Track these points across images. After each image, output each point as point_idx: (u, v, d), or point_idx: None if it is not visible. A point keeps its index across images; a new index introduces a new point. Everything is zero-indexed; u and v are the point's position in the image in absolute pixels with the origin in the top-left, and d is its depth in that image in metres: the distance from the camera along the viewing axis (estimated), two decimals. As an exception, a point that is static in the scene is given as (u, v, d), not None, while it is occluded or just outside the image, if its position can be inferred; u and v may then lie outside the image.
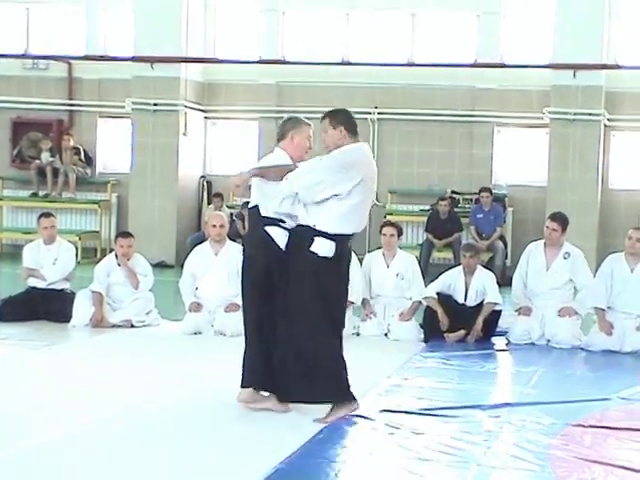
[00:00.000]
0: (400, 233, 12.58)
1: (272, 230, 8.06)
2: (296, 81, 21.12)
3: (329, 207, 7.86)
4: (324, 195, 7.84)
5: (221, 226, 12.28)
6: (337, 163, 7.92)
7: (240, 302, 8.87)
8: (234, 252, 11.96)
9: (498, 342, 12.12)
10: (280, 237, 8.05)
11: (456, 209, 19.53)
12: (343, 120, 8.12)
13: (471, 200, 19.90)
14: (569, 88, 19.00)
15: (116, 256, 12.70)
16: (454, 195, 19.98)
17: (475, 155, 20.59)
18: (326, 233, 7.86)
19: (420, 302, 12.29)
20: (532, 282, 12.28)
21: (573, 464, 6.84)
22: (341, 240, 7.94)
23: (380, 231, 12.63)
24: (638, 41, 20.25)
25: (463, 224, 19.22)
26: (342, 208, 7.86)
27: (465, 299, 12.24)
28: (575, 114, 19.16)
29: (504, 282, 14.11)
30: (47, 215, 13.20)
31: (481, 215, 19.06)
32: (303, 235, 7.92)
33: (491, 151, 20.69)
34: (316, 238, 7.85)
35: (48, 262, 12.98)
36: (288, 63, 21.25)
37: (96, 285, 12.49)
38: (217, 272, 12.21)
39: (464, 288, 12.25)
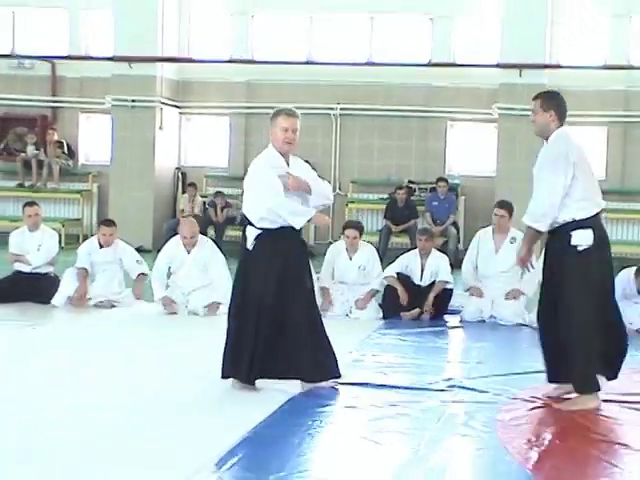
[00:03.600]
0: (362, 233, 12.52)
1: (247, 230, 7.94)
2: (264, 79, 21.06)
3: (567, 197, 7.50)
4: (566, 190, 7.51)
5: (192, 237, 12.26)
6: (556, 159, 7.55)
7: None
8: (205, 248, 12.33)
9: (451, 320, 12.16)
10: (250, 236, 7.87)
11: (412, 197, 19.54)
12: (554, 105, 7.74)
13: (426, 189, 19.90)
14: (515, 86, 19.04)
15: (99, 241, 12.72)
16: (411, 185, 19.97)
17: (430, 148, 20.62)
18: (580, 221, 7.52)
19: (377, 290, 12.35)
20: (482, 265, 12.33)
21: (517, 430, 6.89)
22: (592, 222, 7.60)
23: (343, 232, 12.54)
24: (577, 42, 20.32)
25: (419, 211, 19.26)
26: (576, 193, 7.50)
27: (421, 279, 12.28)
28: (521, 110, 19.16)
29: (457, 265, 14.12)
30: (31, 204, 13.12)
31: (436, 203, 19.10)
32: (561, 236, 7.57)
33: (444, 144, 20.73)
34: (573, 232, 7.50)
35: (33, 248, 12.90)
36: (257, 62, 21.20)
37: (81, 263, 12.56)
38: (190, 268, 12.23)
39: (420, 269, 12.30)
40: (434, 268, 12.27)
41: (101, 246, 12.70)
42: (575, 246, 7.47)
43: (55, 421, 6.84)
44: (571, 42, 20.33)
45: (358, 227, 12.57)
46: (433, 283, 12.21)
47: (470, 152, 20.88)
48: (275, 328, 7.76)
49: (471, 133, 20.89)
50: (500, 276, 12.20)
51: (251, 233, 7.85)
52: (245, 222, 8.00)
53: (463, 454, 6.50)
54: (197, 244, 12.28)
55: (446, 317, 12.26)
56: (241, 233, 8.18)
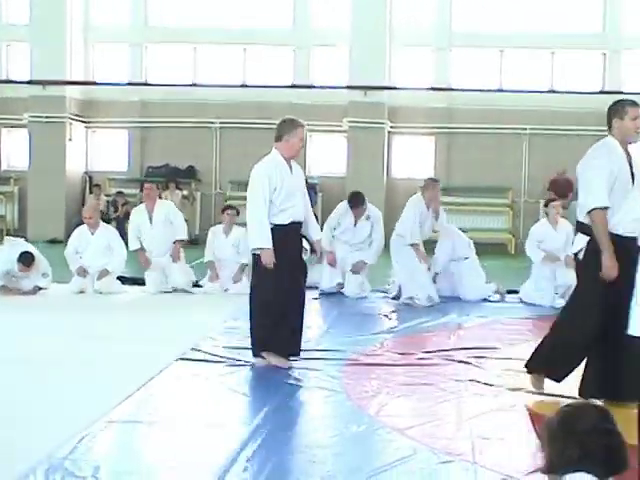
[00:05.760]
0: (237, 213, 12.57)
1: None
2: (156, 99, 20.92)
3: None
4: None
5: (89, 217, 12.18)
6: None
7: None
8: (107, 231, 12.32)
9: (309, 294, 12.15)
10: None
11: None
12: None
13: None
14: (361, 104, 19.28)
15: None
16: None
17: (293, 154, 20.68)
18: None
19: (246, 265, 12.28)
20: (342, 234, 12.19)
21: (358, 381, 7.04)
22: None
23: (222, 212, 12.65)
24: (410, 68, 20.66)
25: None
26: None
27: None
28: (366, 123, 19.44)
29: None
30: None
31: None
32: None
33: (304, 151, 20.84)
34: None
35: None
36: (150, 85, 21.07)
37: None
38: (94, 248, 12.11)
39: None
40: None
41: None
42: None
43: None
44: (405, 68, 20.64)
45: (234, 207, 12.69)
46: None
47: (325, 157, 21.07)
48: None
49: (326, 142, 21.08)
50: (356, 246, 12.12)
51: None
52: None
53: (314, 401, 6.63)
54: (99, 227, 12.17)
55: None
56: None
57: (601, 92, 19.63)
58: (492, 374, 7.29)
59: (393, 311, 10.83)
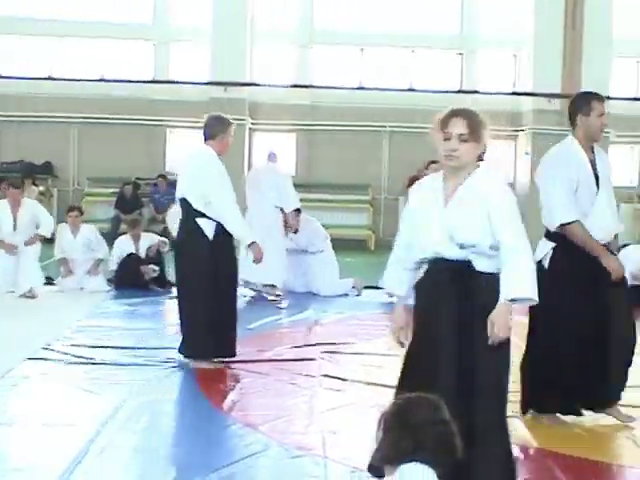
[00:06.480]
0: (81, 213, 12.53)
1: (201, 221, 7.34)
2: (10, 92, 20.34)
3: None
4: None
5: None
6: None
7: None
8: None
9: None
10: (208, 227, 7.31)
11: (139, 191, 19.45)
12: None
13: (149, 184, 19.81)
14: (222, 100, 19.16)
15: None
16: (138, 180, 19.82)
17: (153, 150, 20.49)
18: None
19: (102, 259, 12.24)
20: None
21: (212, 378, 7.05)
22: None
23: (66, 213, 12.61)
24: (271, 64, 20.70)
25: (144, 202, 19.18)
26: None
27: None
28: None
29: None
30: None
31: (158, 195, 19.06)
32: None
33: (164, 147, 20.72)
34: None
35: None
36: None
37: None
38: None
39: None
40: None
41: None
42: None
43: None
44: (266, 65, 20.66)
45: (79, 209, 12.64)
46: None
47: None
48: None
49: (188, 138, 20.84)
50: None
51: None
52: None
53: (165, 399, 6.53)
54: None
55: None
56: None
57: (459, 91, 20.07)
58: (347, 369, 7.39)
59: (250, 307, 10.84)
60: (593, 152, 5.87)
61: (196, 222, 7.31)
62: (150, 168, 20.15)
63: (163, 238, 12.69)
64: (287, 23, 20.80)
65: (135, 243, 12.32)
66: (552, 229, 5.82)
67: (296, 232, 11.84)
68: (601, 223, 5.77)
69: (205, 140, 7.51)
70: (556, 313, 5.66)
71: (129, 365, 7.42)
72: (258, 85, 20.10)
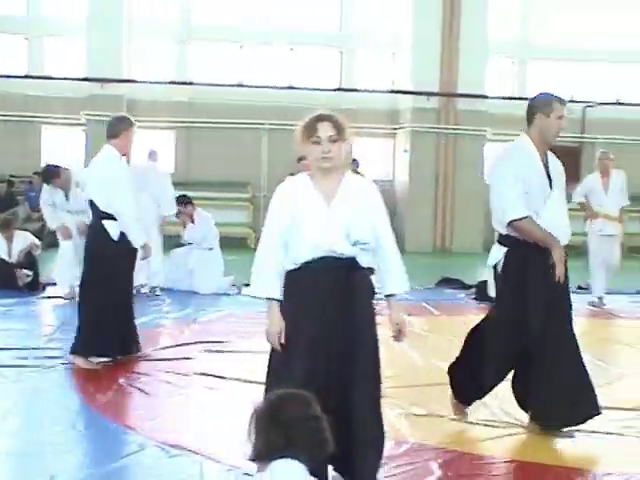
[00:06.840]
0: None
1: (107, 223, 7.43)
2: None
3: None
4: None
5: None
6: None
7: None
8: None
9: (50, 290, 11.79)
10: (113, 229, 7.40)
11: (13, 189, 19.05)
12: None
13: (24, 182, 19.41)
14: (99, 97, 18.89)
15: None
16: (12, 178, 19.40)
17: (28, 147, 20.05)
18: None
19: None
20: None
21: (88, 379, 6.98)
22: None
23: None
24: (150, 61, 20.54)
25: (19, 200, 18.79)
26: None
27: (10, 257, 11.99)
28: (105, 116, 18.91)
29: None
30: None
31: (33, 193, 18.66)
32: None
33: (39, 144, 20.32)
34: None
35: None
36: None
37: None
38: None
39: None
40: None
41: None
42: None
43: None
44: (144, 61, 20.48)
45: None
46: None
47: (60, 153, 20.26)
48: None
49: (61, 136, 20.45)
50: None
51: None
52: None
53: (41, 400, 6.48)
54: None
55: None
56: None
57: (338, 89, 20.26)
58: (223, 367, 7.42)
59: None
60: (546, 154, 5.86)
61: (102, 224, 7.47)
62: (25, 165, 19.72)
63: (36, 240, 12.39)
64: (165, 18, 20.64)
65: (8, 244, 12.02)
66: (504, 231, 5.81)
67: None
68: (554, 222, 5.73)
69: (108, 139, 7.67)
70: (508, 316, 5.73)
71: (2, 367, 7.28)
72: (135, 82, 19.89)
